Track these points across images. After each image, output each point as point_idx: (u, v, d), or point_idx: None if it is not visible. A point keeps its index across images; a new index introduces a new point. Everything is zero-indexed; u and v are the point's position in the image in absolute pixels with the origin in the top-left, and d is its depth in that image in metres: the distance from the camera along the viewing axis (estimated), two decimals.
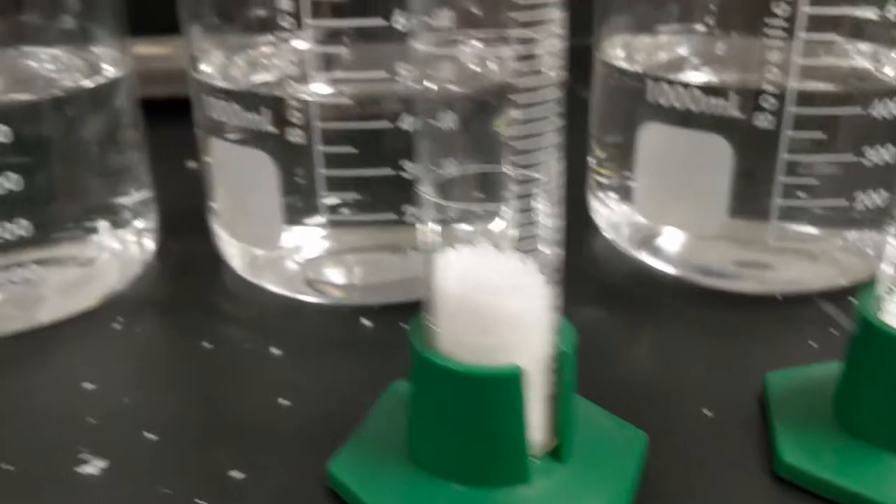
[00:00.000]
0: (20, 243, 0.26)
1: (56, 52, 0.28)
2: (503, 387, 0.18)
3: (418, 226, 0.19)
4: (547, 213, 0.18)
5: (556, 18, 0.17)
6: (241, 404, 0.24)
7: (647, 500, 0.20)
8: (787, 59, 0.25)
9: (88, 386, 0.25)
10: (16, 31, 0.27)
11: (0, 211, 0.26)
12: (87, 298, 0.29)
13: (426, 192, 0.18)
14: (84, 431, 0.23)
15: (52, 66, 0.28)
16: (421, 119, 0.18)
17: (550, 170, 0.18)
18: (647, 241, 0.30)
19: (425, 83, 0.18)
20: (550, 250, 0.19)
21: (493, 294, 0.18)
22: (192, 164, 0.37)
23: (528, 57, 0.17)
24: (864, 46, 0.26)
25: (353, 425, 0.22)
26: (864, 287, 0.21)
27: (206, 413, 0.23)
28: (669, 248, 0.30)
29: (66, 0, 0.27)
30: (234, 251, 0.30)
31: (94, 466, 0.21)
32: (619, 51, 0.30)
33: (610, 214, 0.31)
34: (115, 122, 0.29)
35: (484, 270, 0.18)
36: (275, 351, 0.26)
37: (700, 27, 0.28)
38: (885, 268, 0.20)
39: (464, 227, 0.19)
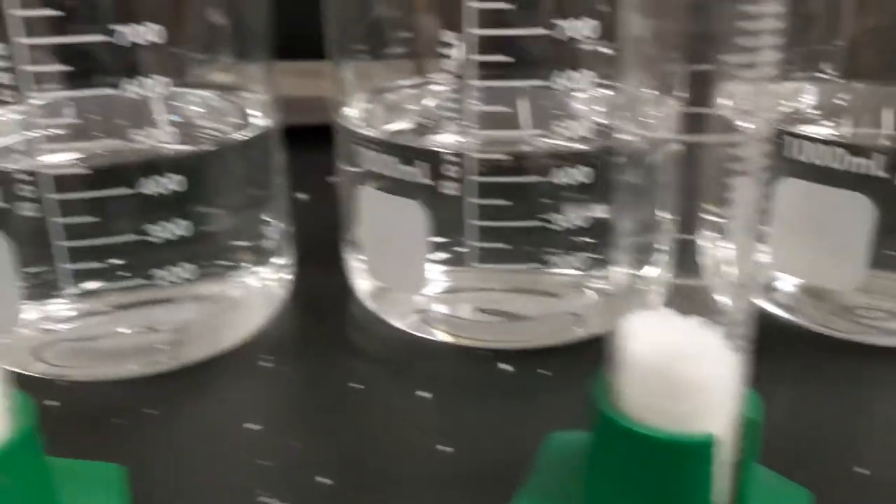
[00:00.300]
0: (177, 285, 0.27)
1: (209, 94, 0.29)
2: (696, 453, 0.19)
3: (607, 286, 0.20)
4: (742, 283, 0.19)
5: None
6: (403, 450, 0.25)
7: None
8: None
9: (252, 426, 0.26)
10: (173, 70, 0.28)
11: (164, 255, 0.27)
12: (233, 336, 0.30)
13: (624, 248, 0.19)
14: (258, 474, 0.24)
15: (203, 111, 0.29)
16: (630, 168, 0.19)
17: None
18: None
19: (636, 130, 0.19)
20: (742, 315, 0.19)
21: (688, 361, 0.19)
22: (301, 195, 0.39)
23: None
24: None
25: (515, 475, 0.23)
26: None
27: (372, 458, 0.24)
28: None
29: (221, 40, 0.28)
30: (371, 290, 0.31)
31: None
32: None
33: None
34: (265, 166, 0.30)
35: (678, 335, 0.19)
36: (422, 394, 0.27)
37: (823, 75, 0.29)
38: None
39: (657, 287, 0.19)
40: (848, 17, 0.29)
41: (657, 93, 0.18)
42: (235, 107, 0.30)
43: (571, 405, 0.26)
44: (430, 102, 0.30)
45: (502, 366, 0.29)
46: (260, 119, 0.30)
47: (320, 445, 0.25)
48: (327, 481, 0.23)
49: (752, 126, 0.18)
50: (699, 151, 0.18)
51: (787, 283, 0.30)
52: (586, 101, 0.29)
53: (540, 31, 0.25)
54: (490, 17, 0.25)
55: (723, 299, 0.19)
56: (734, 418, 0.19)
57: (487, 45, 0.25)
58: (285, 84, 0.32)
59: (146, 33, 0.24)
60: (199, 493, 0.23)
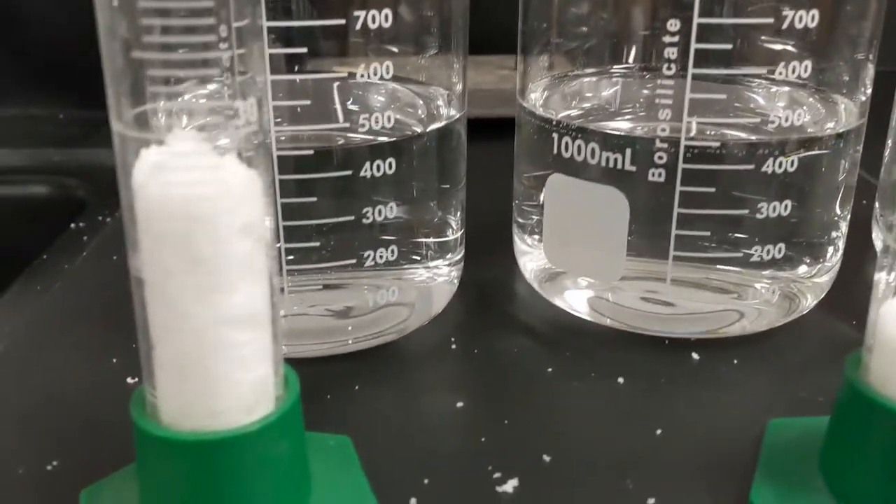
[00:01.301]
0: (382, 266, 0.28)
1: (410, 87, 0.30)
2: None
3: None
4: None
5: None
6: (617, 431, 0.25)
7: None
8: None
9: (460, 404, 0.26)
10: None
11: (371, 239, 0.27)
12: (420, 320, 0.30)
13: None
14: (484, 450, 0.24)
15: (405, 102, 0.30)
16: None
17: None
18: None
19: None
20: None
21: None
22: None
23: None
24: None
25: (735, 458, 0.23)
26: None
27: (590, 437, 0.25)
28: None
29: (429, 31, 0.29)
30: (544, 275, 0.31)
31: (510, 485, 0.23)
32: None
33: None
34: (457, 158, 0.30)
35: None
36: (620, 380, 0.27)
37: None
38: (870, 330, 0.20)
39: None
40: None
41: None
42: (431, 100, 0.30)
43: (764, 393, 0.27)
44: (617, 90, 0.30)
45: (694, 354, 0.29)
46: (455, 112, 0.30)
47: (533, 424, 0.25)
48: (549, 458, 0.24)
49: None
50: None
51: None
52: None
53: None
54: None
55: None
56: None
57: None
58: None
59: (377, 19, 0.25)
60: (428, 468, 0.23)
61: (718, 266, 0.28)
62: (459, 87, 0.30)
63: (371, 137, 0.27)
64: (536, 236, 0.31)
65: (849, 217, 0.30)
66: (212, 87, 0.17)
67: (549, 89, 0.32)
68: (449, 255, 0.31)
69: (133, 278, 0.18)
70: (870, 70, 0.28)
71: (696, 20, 0.25)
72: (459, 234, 0.31)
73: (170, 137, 0.17)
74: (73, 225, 0.40)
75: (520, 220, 0.33)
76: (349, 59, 0.26)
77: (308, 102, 0.26)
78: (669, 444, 0.24)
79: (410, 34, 0.27)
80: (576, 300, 0.31)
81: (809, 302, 0.30)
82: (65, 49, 0.55)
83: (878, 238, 0.35)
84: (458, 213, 0.31)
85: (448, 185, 0.30)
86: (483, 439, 0.24)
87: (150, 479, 0.19)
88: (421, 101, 0.30)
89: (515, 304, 0.33)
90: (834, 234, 0.30)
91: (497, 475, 0.23)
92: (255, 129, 0.18)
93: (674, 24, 0.25)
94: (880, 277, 0.20)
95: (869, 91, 0.29)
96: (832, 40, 0.27)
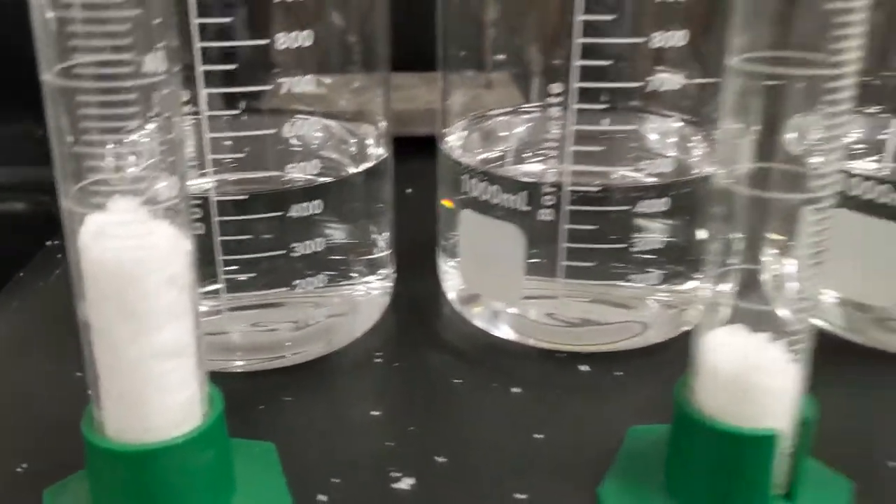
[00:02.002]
0: (311, 293, 0.32)
1: (330, 123, 0.34)
2: (761, 446, 0.23)
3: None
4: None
5: None
6: (505, 436, 0.29)
7: None
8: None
9: (375, 412, 0.30)
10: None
11: (303, 268, 0.32)
12: (349, 336, 0.34)
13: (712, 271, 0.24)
14: (386, 452, 0.28)
15: (324, 137, 0.34)
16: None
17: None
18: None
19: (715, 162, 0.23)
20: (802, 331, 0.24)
21: (759, 372, 0.23)
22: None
23: None
24: None
25: (600, 460, 0.27)
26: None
27: (481, 441, 0.29)
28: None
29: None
30: (463, 296, 0.36)
31: (405, 483, 0.27)
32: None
33: None
34: (381, 186, 0.34)
35: (749, 349, 0.23)
36: (516, 390, 0.32)
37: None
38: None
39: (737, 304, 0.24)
40: None
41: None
42: (358, 138, 0.34)
43: (643, 402, 0.31)
44: (523, 132, 0.34)
45: (581, 367, 0.33)
46: (381, 149, 0.34)
47: (434, 429, 0.30)
48: (443, 459, 0.28)
49: (822, 158, 0.22)
50: (770, 181, 0.22)
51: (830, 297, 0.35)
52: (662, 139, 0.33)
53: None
54: None
55: (785, 316, 0.23)
56: (793, 418, 0.24)
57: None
58: None
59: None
60: (338, 469, 0.27)
61: (609, 285, 0.33)
62: (384, 124, 0.34)
63: (301, 178, 0.31)
64: (455, 260, 0.35)
65: None
66: (142, 168, 0.22)
67: (465, 130, 0.36)
68: (377, 275, 0.35)
69: (81, 322, 0.22)
70: None
71: (576, 61, 0.29)
72: (387, 253, 0.36)
73: (111, 204, 0.21)
74: (48, 242, 0.44)
75: (442, 242, 0.37)
76: (278, 100, 0.30)
77: (242, 155, 0.30)
78: (547, 447, 0.29)
79: (336, 68, 0.32)
80: (488, 318, 0.35)
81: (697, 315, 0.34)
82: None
83: None
84: (386, 234, 0.35)
85: (376, 213, 0.34)
86: (389, 444, 0.29)
87: (98, 483, 0.24)
88: (350, 139, 0.34)
89: (440, 321, 0.37)
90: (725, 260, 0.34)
91: (397, 475, 0.27)
92: (178, 201, 0.22)
93: (560, 76, 0.30)
94: (704, 309, 0.25)
95: None
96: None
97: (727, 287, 0.24)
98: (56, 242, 0.44)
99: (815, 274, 0.23)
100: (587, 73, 0.29)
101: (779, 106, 0.22)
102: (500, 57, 0.34)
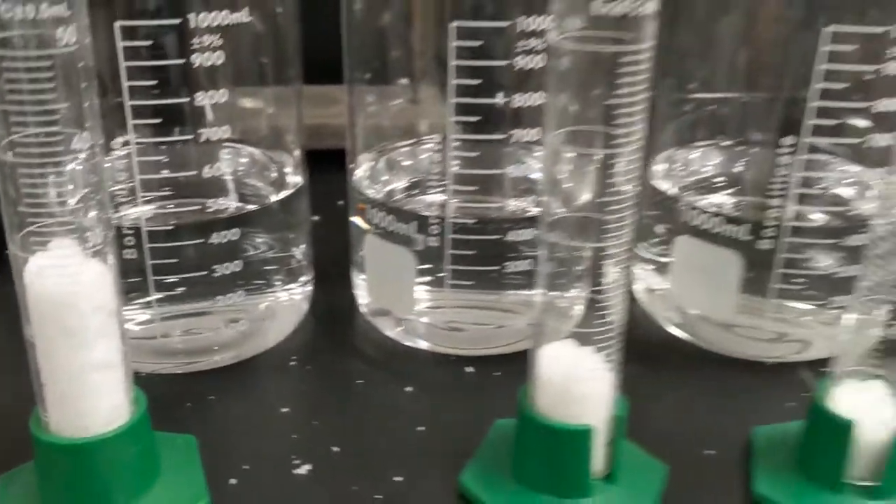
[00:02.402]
0: (232, 306, 0.37)
1: (254, 150, 0.39)
2: (581, 438, 0.29)
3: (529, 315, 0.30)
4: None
5: None
6: (393, 428, 0.35)
7: None
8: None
9: (285, 409, 0.36)
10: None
11: (225, 284, 0.37)
12: (267, 341, 0.40)
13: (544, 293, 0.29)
14: (290, 444, 0.34)
15: (248, 164, 0.39)
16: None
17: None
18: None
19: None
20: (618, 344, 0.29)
21: (581, 381, 0.29)
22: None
23: None
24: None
25: (469, 449, 0.33)
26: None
27: (370, 433, 0.35)
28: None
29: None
30: (371, 307, 0.41)
31: (304, 469, 0.32)
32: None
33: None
34: (298, 208, 0.40)
35: (574, 361, 0.29)
36: (407, 388, 0.37)
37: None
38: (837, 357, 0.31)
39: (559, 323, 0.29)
40: None
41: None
42: (275, 163, 0.40)
43: (514, 400, 0.37)
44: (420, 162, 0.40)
45: (467, 368, 0.39)
46: (297, 177, 0.39)
47: (333, 424, 0.35)
48: (337, 449, 0.33)
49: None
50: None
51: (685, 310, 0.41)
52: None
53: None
54: None
55: (605, 331, 0.29)
56: (608, 415, 0.30)
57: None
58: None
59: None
60: (249, 457, 0.33)
61: (490, 294, 0.38)
62: (298, 152, 0.40)
63: (224, 206, 0.36)
64: (364, 275, 0.41)
65: None
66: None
67: (370, 161, 0.41)
68: (295, 286, 0.41)
69: (27, 341, 0.27)
70: None
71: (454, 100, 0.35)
72: (304, 264, 0.41)
73: (52, 245, 0.26)
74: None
75: (354, 257, 0.42)
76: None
77: (170, 192, 0.35)
78: (427, 439, 0.34)
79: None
80: (392, 326, 0.41)
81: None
82: None
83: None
84: (303, 247, 0.41)
85: (293, 231, 0.40)
86: (294, 436, 0.34)
87: (43, 471, 0.29)
88: (268, 165, 0.39)
89: (353, 328, 0.42)
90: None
91: (297, 462, 0.33)
92: (101, 244, 0.27)
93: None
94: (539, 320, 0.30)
95: None
96: None
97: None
98: None
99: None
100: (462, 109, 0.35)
101: None
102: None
